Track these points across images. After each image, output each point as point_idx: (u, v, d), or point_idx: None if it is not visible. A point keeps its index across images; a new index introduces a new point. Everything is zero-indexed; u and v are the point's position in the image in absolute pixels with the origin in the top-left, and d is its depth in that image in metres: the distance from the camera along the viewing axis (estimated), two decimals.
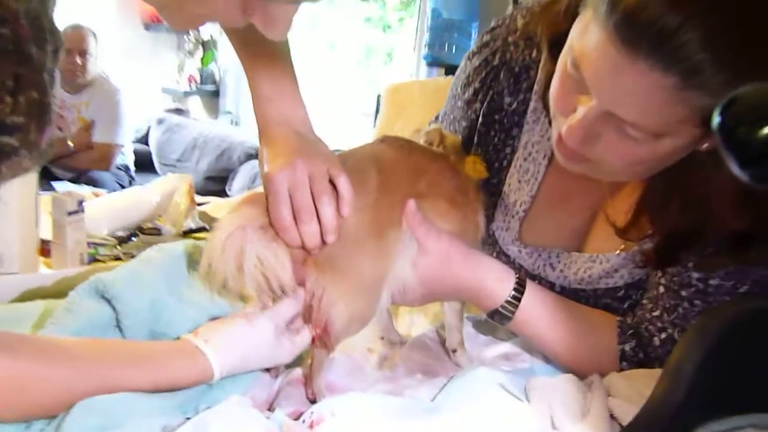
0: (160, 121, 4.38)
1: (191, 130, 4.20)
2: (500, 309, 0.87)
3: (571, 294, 0.93)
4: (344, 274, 0.75)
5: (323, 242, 0.75)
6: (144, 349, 0.66)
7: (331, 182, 0.76)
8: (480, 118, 1.00)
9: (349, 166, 0.80)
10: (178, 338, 0.69)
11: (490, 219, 1.01)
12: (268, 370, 0.77)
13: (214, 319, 0.74)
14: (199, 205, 1.58)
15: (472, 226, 0.91)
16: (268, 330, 0.71)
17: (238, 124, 4.71)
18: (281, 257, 0.73)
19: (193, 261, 0.83)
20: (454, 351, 0.93)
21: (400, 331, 1.02)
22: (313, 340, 0.77)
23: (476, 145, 1.03)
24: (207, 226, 1.46)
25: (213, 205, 1.70)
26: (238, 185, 3.77)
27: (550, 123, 0.89)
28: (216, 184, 3.92)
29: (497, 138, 1.01)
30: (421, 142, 0.94)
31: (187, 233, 1.47)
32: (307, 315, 0.76)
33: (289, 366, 0.78)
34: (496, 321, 0.89)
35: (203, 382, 0.67)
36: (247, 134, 4.09)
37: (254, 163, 3.77)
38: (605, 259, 0.91)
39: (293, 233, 0.74)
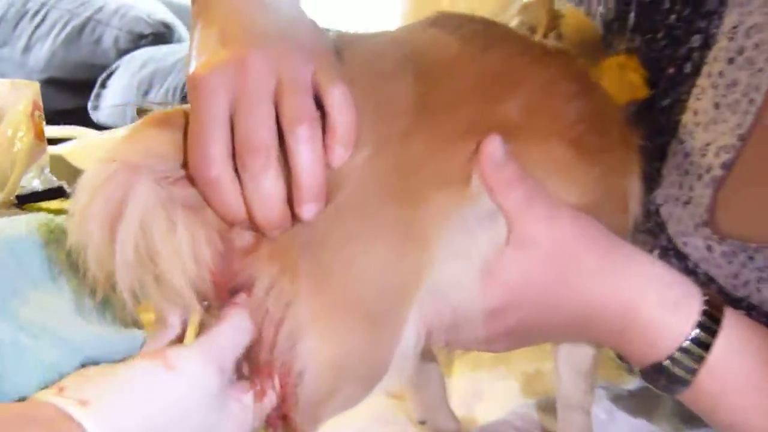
0: None
1: None
2: (670, 363, 0.56)
3: None
4: (329, 277, 0.48)
5: (292, 216, 0.47)
6: None
7: (317, 99, 0.48)
8: None
9: (358, 66, 0.51)
10: (24, 399, 0.46)
11: (651, 183, 0.72)
12: None
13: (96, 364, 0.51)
14: (51, 143, 1.21)
15: (617, 195, 0.63)
16: (206, 382, 0.45)
17: None
18: (197, 238, 0.46)
19: (49, 252, 0.60)
20: None
21: (459, 410, 0.75)
22: (269, 419, 0.48)
23: (631, 32, 0.77)
24: (65, 186, 1.09)
25: (76, 145, 1.28)
26: (116, 98, 2.27)
27: None
28: (70, 96, 2.31)
29: (672, 18, 0.75)
30: (514, 24, 0.70)
31: (26, 201, 1.14)
32: (257, 355, 0.48)
33: None
34: (660, 387, 0.58)
35: None
36: None
37: (154, 53, 2.26)
38: None
39: (229, 192, 0.46)
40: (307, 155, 0.46)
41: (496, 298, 0.54)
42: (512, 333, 0.56)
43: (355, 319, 0.49)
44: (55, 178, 1.17)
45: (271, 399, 0.48)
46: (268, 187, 0.46)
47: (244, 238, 0.49)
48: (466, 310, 0.53)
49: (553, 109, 0.58)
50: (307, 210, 0.47)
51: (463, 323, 0.54)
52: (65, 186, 1.13)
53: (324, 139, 0.47)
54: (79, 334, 0.55)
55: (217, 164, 0.46)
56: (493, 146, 0.52)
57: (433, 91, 0.53)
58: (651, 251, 0.72)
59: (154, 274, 0.46)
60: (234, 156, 0.46)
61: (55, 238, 0.61)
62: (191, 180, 0.48)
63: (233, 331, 0.48)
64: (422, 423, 0.71)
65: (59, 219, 0.64)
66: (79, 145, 1.28)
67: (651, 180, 0.72)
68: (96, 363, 0.53)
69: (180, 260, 0.46)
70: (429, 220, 0.50)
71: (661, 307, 0.56)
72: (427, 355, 0.66)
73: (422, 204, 0.51)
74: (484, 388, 0.78)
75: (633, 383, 0.74)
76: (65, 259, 0.60)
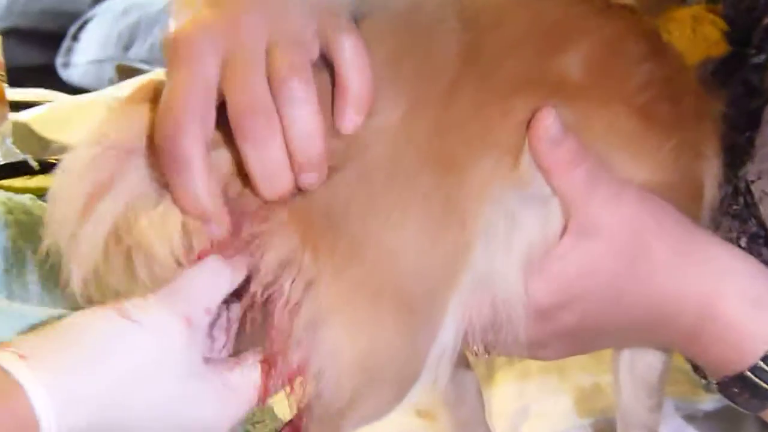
0: None
1: None
2: (754, 372, 0.52)
3: None
4: (356, 255, 0.44)
5: (297, 187, 0.44)
6: None
7: (325, 56, 0.45)
8: None
9: (393, 19, 0.48)
10: None
11: (741, 156, 0.65)
12: None
13: None
14: (14, 108, 1.12)
15: (691, 178, 0.56)
16: (170, 336, 0.41)
17: None
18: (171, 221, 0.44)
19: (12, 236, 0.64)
20: None
21: (501, 426, 0.69)
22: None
23: None
24: (31, 160, 0.98)
25: (43, 111, 1.19)
26: (90, 54, 2.03)
27: None
28: (35, 50, 2.09)
29: None
30: None
31: None
32: (257, 325, 0.44)
33: None
34: (741, 403, 0.53)
35: None
36: None
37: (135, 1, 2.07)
38: None
39: (203, 179, 0.43)
40: (298, 116, 0.43)
41: (550, 294, 0.50)
42: (567, 335, 0.52)
43: (385, 307, 0.45)
44: (18, 151, 1.09)
45: (256, 375, 0.44)
46: (276, 153, 0.43)
47: (251, 202, 0.45)
48: (510, 306, 0.49)
49: (618, 70, 0.53)
50: (306, 179, 0.44)
51: (505, 321, 0.49)
52: (30, 160, 1.02)
53: (334, 102, 0.45)
54: (43, 315, 0.55)
55: (197, 143, 0.42)
56: (549, 120, 0.48)
57: (481, 39, 0.49)
58: (737, 239, 0.67)
59: (129, 249, 0.43)
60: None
61: (14, 219, 0.62)
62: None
63: (203, 276, 0.43)
64: None
65: (19, 198, 0.64)
66: (47, 111, 1.23)
67: (741, 152, 0.66)
68: None
69: (165, 229, 0.43)
70: (469, 192, 0.47)
71: (744, 306, 0.52)
72: (462, 363, 0.62)
73: (464, 172, 0.47)
74: (531, 405, 0.73)
75: (710, 402, 0.70)
76: (30, 244, 0.61)
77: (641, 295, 0.52)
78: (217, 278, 0.44)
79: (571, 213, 0.49)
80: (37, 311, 0.61)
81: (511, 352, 0.56)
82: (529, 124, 0.48)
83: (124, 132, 0.45)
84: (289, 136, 0.44)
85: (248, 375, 0.44)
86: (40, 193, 0.89)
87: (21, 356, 0.38)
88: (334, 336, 0.44)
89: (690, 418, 0.70)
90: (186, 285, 0.43)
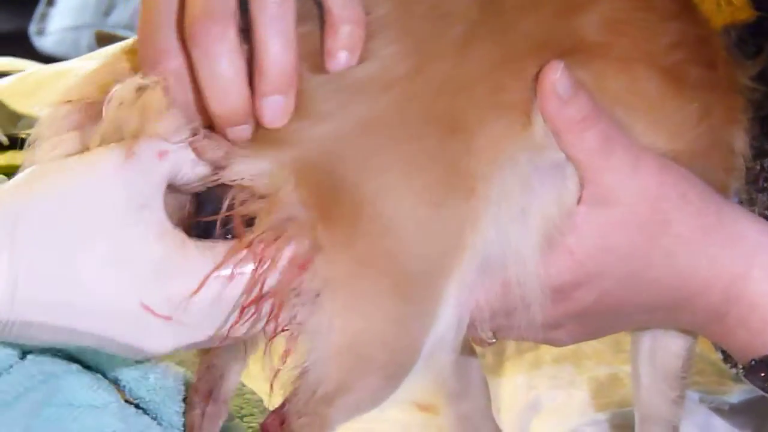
0: None
1: None
2: None
3: None
4: (358, 220, 0.42)
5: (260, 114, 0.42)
6: None
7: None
8: None
9: None
10: None
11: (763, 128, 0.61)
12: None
13: None
14: None
15: (720, 146, 0.54)
16: (108, 168, 0.40)
17: None
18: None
19: None
20: None
21: (509, 426, 0.66)
22: (264, 426, 0.45)
23: None
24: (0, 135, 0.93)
25: (15, 82, 1.12)
26: (67, 20, 1.95)
27: None
28: (6, 16, 2.06)
29: None
30: None
31: None
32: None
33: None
34: None
35: None
36: None
37: None
38: None
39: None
40: (268, 34, 0.41)
41: (564, 270, 0.48)
42: (584, 315, 0.50)
43: (383, 286, 0.43)
44: None
45: (247, 271, 0.40)
46: (225, 64, 0.41)
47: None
48: (525, 286, 0.47)
49: (645, 27, 0.50)
50: (269, 105, 0.41)
51: (519, 304, 0.47)
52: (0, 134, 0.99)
53: (323, 42, 0.42)
54: None
55: (176, 51, 0.41)
56: (557, 75, 0.45)
57: None
58: (765, 214, 0.65)
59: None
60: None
61: None
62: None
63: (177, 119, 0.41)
64: None
65: None
66: (16, 81, 1.16)
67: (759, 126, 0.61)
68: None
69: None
70: (478, 157, 0.45)
71: None
72: (466, 349, 0.59)
73: (473, 135, 0.45)
74: (542, 398, 0.70)
75: (737, 394, 0.68)
76: None
77: (663, 271, 0.50)
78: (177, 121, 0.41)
79: (585, 180, 0.47)
80: None
81: (523, 336, 0.54)
82: (536, 79, 0.46)
83: (98, 92, 0.42)
84: (258, 51, 0.41)
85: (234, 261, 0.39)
86: (10, 171, 0.86)
87: None
88: (329, 312, 0.41)
89: (716, 410, 0.68)
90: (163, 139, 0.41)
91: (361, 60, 0.43)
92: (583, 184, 0.47)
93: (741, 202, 0.62)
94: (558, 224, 0.47)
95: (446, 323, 0.46)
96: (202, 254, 0.40)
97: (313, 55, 0.43)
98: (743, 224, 0.52)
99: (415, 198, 0.44)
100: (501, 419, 0.67)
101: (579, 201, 0.47)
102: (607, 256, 0.49)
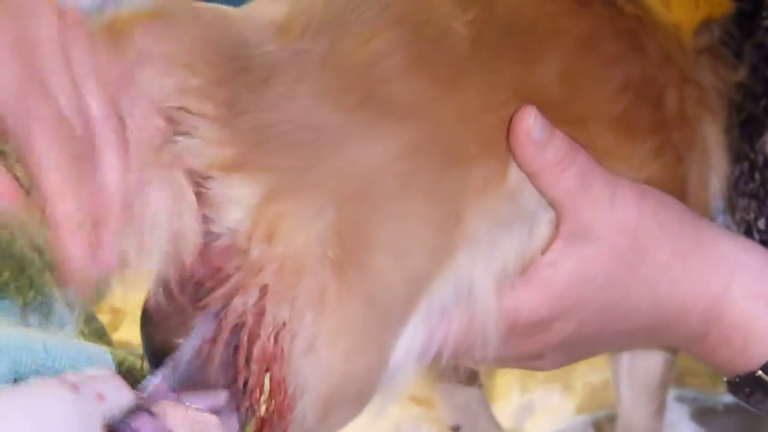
0: None
1: None
2: (766, 372, 0.51)
3: None
4: (356, 259, 0.41)
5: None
6: None
7: None
8: None
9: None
10: None
11: (757, 127, 0.62)
12: None
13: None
14: None
15: (676, 175, 0.55)
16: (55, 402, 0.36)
17: None
18: None
19: None
20: None
21: (504, 421, 0.67)
22: None
23: None
24: None
25: None
26: None
27: None
28: None
29: None
30: None
31: None
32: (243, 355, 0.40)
33: None
34: (754, 404, 0.52)
35: None
36: None
37: None
38: None
39: None
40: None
41: (542, 305, 0.48)
42: (564, 345, 0.50)
43: (373, 326, 0.43)
44: None
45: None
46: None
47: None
48: (485, 321, 0.47)
49: (592, 76, 0.51)
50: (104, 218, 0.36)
51: (479, 336, 0.47)
52: None
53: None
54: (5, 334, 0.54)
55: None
56: (530, 120, 0.45)
57: (483, 30, 0.47)
58: (755, 220, 0.64)
59: None
60: None
61: None
62: None
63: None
64: (455, 430, 0.65)
65: None
66: None
67: (758, 123, 0.63)
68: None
69: None
70: (469, 194, 0.45)
71: (751, 304, 0.50)
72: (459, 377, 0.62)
73: (468, 170, 0.45)
74: (535, 401, 0.72)
75: (719, 398, 0.68)
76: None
77: (642, 300, 0.50)
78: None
79: (562, 217, 0.46)
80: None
81: (505, 364, 0.57)
82: (509, 128, 0.45)
83: None
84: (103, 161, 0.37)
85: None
86: None
87: None
88: (327, 358, 0.42)
89: (707, 413, 0.68)
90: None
91: None
92: (560, 221, 0.47)
93: (723, 207, 0.63)
94: (534, 260, 0.47)
95: (413, 341, 0.46)
96: None
97: None
98: (722, 244, 0.52)
99: (414, 220, 0.44)
100: (498, 414, 0.65)
101: (556, 237, 0.47)
102: (582, 288, 0.49)
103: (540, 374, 0.72)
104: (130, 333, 0.69)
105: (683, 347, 0.54)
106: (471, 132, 0.45)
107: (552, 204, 0.46)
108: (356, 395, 0.44)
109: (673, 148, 0.55)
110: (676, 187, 0.54)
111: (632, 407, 0.61)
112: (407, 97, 0.44)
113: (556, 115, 0.46)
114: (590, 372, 0.72)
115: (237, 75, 0.40)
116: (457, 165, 0.45)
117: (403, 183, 0.43)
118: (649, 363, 0.60)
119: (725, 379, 0.53)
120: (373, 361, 0.44)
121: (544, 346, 0.49)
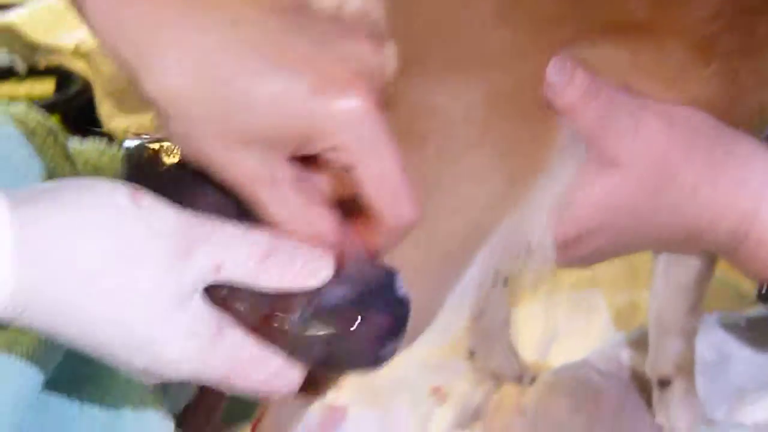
0: None
1: None
2: None
3: None
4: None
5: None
6: None
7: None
8: None
9: None
10: None
11: None
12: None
13: None
14: None
15: (753, 102, 0.54)
16: (119, 203, 0.32)
17: None
18: None
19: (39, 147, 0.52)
20: (664, 383, 0.60)
21: (528, 351, 0.67)
22: None
23: None
24: (18, 64, 0.94)
25: (30, 11, 1.07)
26: None
27: None
28: None
29: None
30: None
31: None
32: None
33: None
34: None
35: None
36: None
37: None
38: None
39: None
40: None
41: (575, 222, 0.51)
42: (597, 253, 0.54)
43: (432, 268, 0.48)
44: (4, 53, 1.05)
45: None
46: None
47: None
48: (538, 248, 0.52)
49: (682, 3, 0.51)
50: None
51: (532, 256, 0.52)
52: (18, 63, 0.99)
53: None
54: None
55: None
56: (555, 65, 0.49)
57: None
58: None
59: None
60: None
61: (31, 129, 0.53)
62: None
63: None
64: (472, 354, 0.67)
65: (17, 108, 0.54)
66: (37, 12, 1.10)
67: None
68: None
69: None
70: (543, 139, 0.49)
71: None
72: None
73: (543, 121, 0.49)
74: (561, 326, 0.70)
75: (755, 311, 0.67)
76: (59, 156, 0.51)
77: (670, 223, 0.52)
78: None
79: (589, 146, 0.49)
80: None
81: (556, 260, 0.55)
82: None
83: None
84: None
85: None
86: (31, 99, 0.84)
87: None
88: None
89: (732, 327, 0.68)
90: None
91: None
92: (587, 151, 0.50)
93: None
94: (567, 191, 0.50)
95: (470, 281, 0.50)
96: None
97: None
98: (754, 165, 0.53)
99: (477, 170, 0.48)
100: (520, 347, 0.65)
101: (584, 166, 0.50)
102: (609, 214, 0.53)
103: (564, 301, 0.72)
104: None
105: (720, 250, 0.56)
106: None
107: (582, 136, 0.49)
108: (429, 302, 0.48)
109: (751, 72, 0.54)
110: (750, 112, 0.55)
111: (666, 302, 0.61)
112: (494, 45, 0.47)
113: (638, 31, 0.49)
114: (615, 294, 0.72)
115: None
116: (531, 120, 0.48)
117: (479, 132, 0.47)
118: (686, 260, 0.61)
119: (755, 290, 0.59)
120: (428, 300, 0.48)
121: (581, 256, 0.53)
